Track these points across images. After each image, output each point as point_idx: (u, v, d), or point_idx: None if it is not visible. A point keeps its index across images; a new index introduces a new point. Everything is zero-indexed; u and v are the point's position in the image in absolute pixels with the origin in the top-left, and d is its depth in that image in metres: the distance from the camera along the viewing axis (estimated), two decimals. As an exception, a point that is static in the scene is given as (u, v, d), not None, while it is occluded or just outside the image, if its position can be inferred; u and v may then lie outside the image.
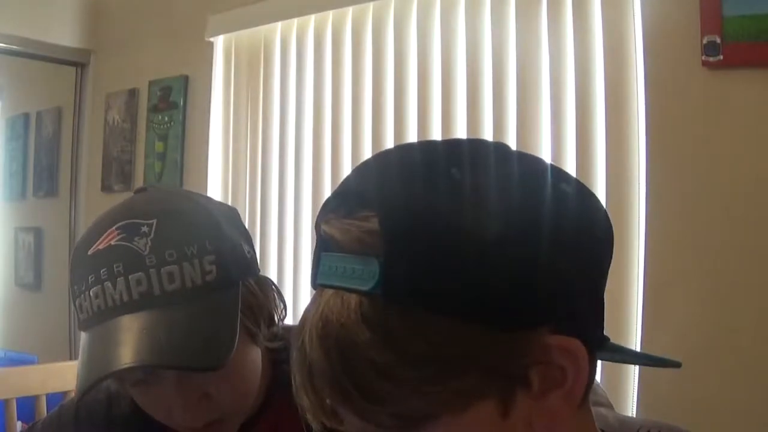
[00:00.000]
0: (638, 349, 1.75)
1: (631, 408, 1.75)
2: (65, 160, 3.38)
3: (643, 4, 1.79)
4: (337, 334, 0.48)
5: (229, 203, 2.63)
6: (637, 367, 1.75)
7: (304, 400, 0.52)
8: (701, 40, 1.67)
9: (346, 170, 2.35)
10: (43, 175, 3.47)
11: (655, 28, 1.77)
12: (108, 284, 0.74)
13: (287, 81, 2.57)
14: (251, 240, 0.87)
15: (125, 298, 0.73)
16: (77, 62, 3.32)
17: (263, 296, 0.84)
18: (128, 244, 0.75)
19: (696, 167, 1.71)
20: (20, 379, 1.70)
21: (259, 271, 0.86)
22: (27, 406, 1.70)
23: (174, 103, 2.93)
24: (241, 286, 0.79)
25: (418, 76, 2.21)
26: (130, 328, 0.72)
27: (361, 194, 0.51)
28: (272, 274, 2.55)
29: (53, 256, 3.38)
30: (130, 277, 0.73)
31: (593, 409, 0.82)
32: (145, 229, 0.76)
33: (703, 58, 1.67)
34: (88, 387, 0.72)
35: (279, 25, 2.59)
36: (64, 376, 1.73)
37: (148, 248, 0.75)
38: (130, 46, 3.14)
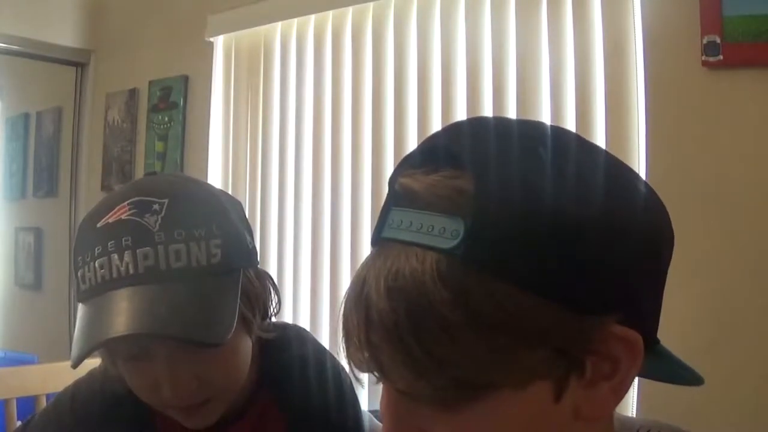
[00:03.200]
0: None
1: (631, 408, 1.75)
2: (65, 160, 3.38)
3: (643, 4, 1.79)
4: (410, 289, 0.46)
5: (229, 203, 2.64)
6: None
7: (350, 350, 0.50)
8: (701, 40, 1.67)
9: (346, 170, 2.36)
10: (43, 175, 3.47)
11: (655, 28, 1.77)
12: (115, 256, 0.74)
13: (287, 81, 2.57)
14: (252, 232, 0.88)
15: (131, 270, 0.74)
16: (77, 62, 3.32)
17: (261, 287, 0.86)
18: (139, 220, 0.76)
19: (696, 167, 1.71)
20: (20, 379, 1.70)
21: (258, 263, 0.88)
22: (27, 406, 1.70)
23: (174, 103, 2.93)
24: (241, 274, 0.81)
25: (418, 75, 2.21)
26: (131, 300, 0.73)
27: (453, 153, 0.49)
28: (272, 272, 2.52)
29: (53, 256, 3.38)
30: (138, 250, 0.74)
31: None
32: (156, 207, 0.77)
33: (703, 58, 1.67)
34: (85, 354, 0.72)
35: (279, 25, 2.59)
36: (64, 376, 1.72)
37: (158, 225, 0.76)
38: (130, 46, 3.14)
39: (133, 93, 3.10)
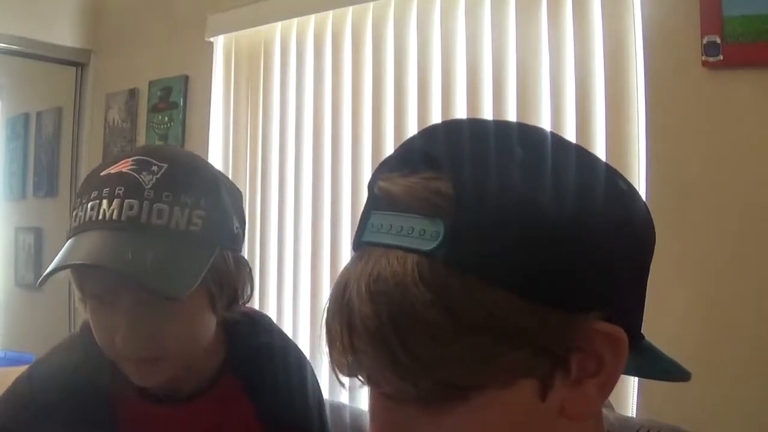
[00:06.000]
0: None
1: (631, 408, 1.75)
2: (65, 160, 3.38)
3: (643, 4, 1.79)
4: (392, 293, 0.46)
5: (229, 203, 2.64)
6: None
7: (334, 356, 0.50)
8: (701, 40, 1.67)
9: (346, 170, 2.36)
10: (43, 175, 3.47)
11: (655, 28, 1.77)
12: (105, 201, 0.81)
13: (287, 81, 2.57)
14: (245, 222, 0.93)
15: (114, 216, 0.80)
16: (77, 62, 3.32)
17: (235, 272, 0.89)
18: (136, 175, 0.82)
19: (696, 167, 1.71)
20: (20, 379, 1.70)
21: (241, 251, 0.92)
22: (27, 406, 1.70)
23: (174, 103, 2.93)
24: (217, 252, 0.85)
25: (418, 75, 2.21)
26: (105, 240, 0.79)
27: (431, 155, 0.49)
28: (272, 272, 2.56)
29: (53, 256, 3.36)
30: (126, 200, 0.80)
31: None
32: (154, 168, 0.83)
33: (703, 58, 1.67)
34: (50, 272, 0.80)
35: (279, 25, 2.59)
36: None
37: (150, 184, 0.82)
38: (130, 46, 3.14)
39: (133, 93, 3.10)
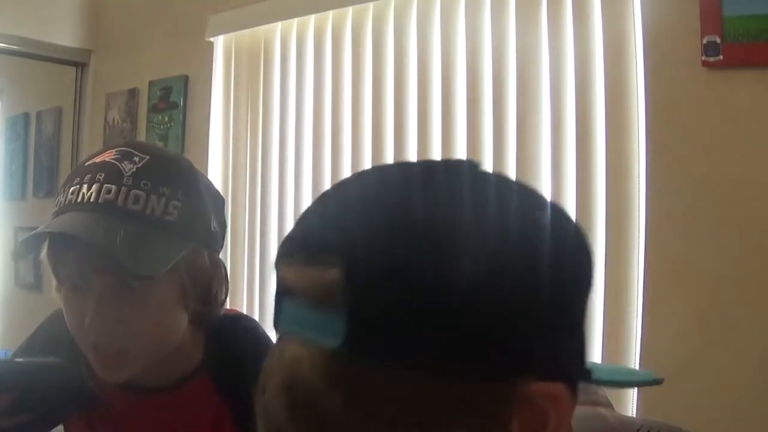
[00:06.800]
0: (638, 349, 1.75)
1: (631, 408, 1.75)
2: (65, 160, 3.37)
3: (643, 4, 1.79)
4: (303, 393, 0.45)
5: (229, 203, 2.64)
6: (637, 367, 1.74)
7: None
8: (701, 40, 1.67)
9: (346, 170, 2.36)
10: (43, 175, 3.47)
11: (655, 28, 1.77)
12: (85, 186, 0.84)
13: (287, 81, 2.57)
14: (225, 227, 0.95)
15: (92, 199, 0.83)
16: (77, 62, 3.32)
17: (210, 270, 0.91)
18: (117, 164, 0.85)
19: (696, 167, 1.71)
20: (20, 379, 1.70)
21: (218, 252, 0.94)
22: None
23: (174, 103, 2.93)
24: (193, 246, 0.87)
25: (418, 75, 2.21)
26: (81, 219, 0.82)
27: (322, 238, 0.47)
28: (272, 273, 2.55)
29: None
30: (104, 185, 0.83)
31: (593, 409, 0.82)
32: (136, 159, 0.86)
33: (703, 58, 1.67)
34: (26, 245, 0.84)
35: (279, 25, 2.59)
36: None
37: (130, 172, 0.85)
38: (130, 46, 3.14)
39: (133, 93, 3.10)
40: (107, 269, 0.82)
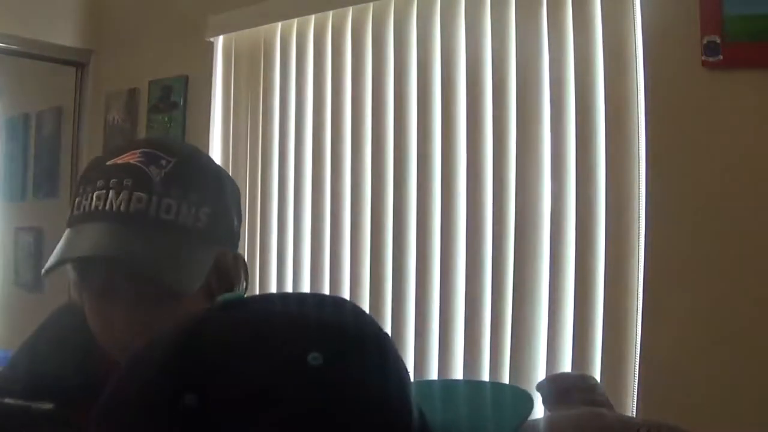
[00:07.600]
0: (638, 349, 1.75)
1: (631, 408, 1.75)
2: (65, 160, 3.37)
3: (643, 4, 1.79)
4: None
5: (229, 203, 2.64)
6: (637, 367, 1.75)
7: None
8: (701, 40, 1.67)
9: (347, 170, 2.36)
10: (43, 175, 3.47)
11: (655, 28, 1.77)
12: (112, 192, 0.80)
13: (287, 81, 2.57)
14: (241, 219, 0.94)
15: (122, 208, 0.80)
16: (77, 62, 3.31)
17: (233, 268, 0.91)
18: (144, 168, 0.82)
19: (696, 167, 1.71)
20: (20, 379, 1.70)
21: (237, 248, 0.93)
22: (27, 406, 1.70)
23: (174, 103, 2.93)
24: (218, 249, 0.86)
25: (418, 75, 2.21)
26: (113, 233, 0.79)
27: None
28: (272, 273, 2.56)
29: (53, 256, 3.37)
30: (134, 193, 0.80)
31: (593, 409, 0.82)
32: (163, 162, 0.83)
33: (703, 58, 1.67)
34: (55, 265, 0.80)
35: (279, 25, 2.59)
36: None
37: (159, 178, 0.81)
38: (130, 46, 3.14)
39: (133, 93, 3.10)
40: (140, 282, 0.80)
